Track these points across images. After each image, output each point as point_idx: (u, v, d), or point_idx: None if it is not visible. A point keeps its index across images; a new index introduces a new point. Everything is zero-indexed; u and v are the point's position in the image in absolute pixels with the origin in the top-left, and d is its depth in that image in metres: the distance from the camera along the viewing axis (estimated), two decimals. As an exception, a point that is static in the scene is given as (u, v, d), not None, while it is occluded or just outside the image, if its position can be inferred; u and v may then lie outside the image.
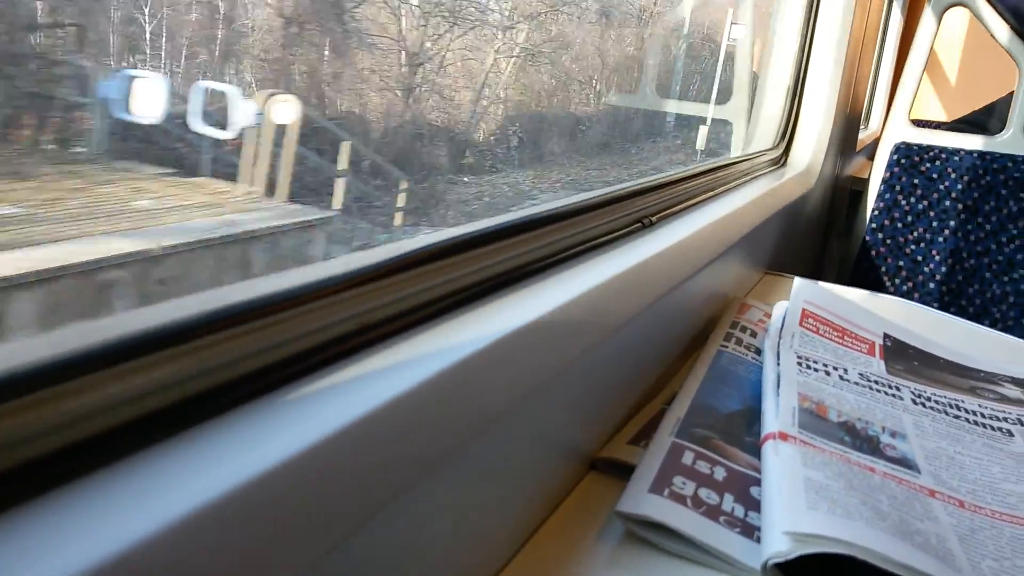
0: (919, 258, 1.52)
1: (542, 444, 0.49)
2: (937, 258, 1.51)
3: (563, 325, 0.47)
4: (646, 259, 0.60)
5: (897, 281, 1.53)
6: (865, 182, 1.65)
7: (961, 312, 1.49)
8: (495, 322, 0.41)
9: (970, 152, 1.49)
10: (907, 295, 1.52)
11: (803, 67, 1.47)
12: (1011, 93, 1.58)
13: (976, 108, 2.07)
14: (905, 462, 0.54)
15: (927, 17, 1.57)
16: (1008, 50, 1.51)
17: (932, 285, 1.51)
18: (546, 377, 0.46)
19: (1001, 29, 1.50)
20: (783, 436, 0.53)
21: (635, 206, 0.72)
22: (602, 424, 0.58)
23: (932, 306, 1.50)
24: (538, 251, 0.52)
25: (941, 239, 1.51)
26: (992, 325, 1.47)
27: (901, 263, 1.53)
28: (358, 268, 0.37)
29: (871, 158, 1.99)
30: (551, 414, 0.49)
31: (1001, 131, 1.51)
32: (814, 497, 0.45)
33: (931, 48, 1.60)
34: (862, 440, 0.55)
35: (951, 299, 1.50)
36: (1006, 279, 1.45)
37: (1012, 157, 1.46)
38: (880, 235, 1.55)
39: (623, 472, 0.52)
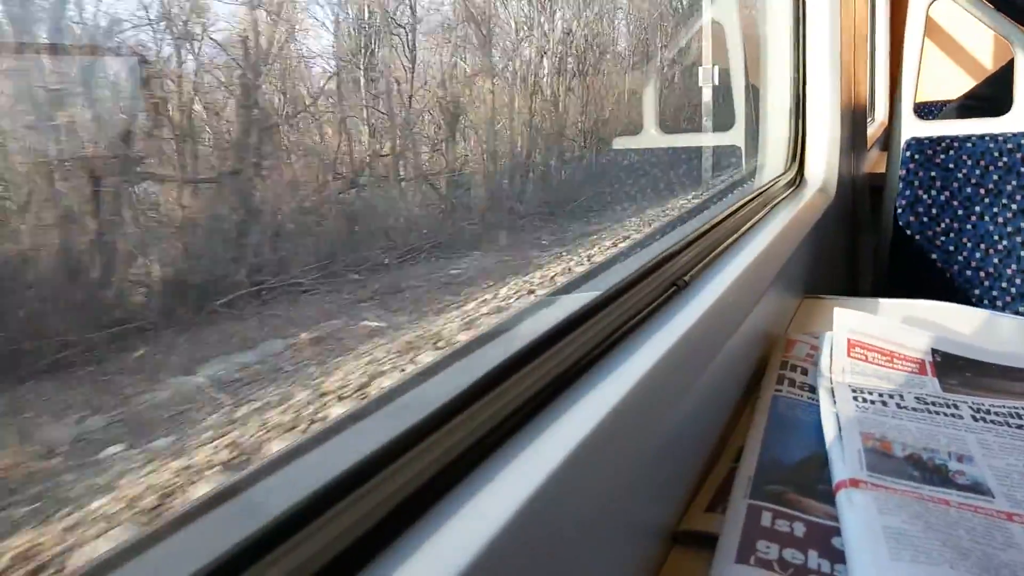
0: (951, 248, 1.52)
1: (627, 530, 0.52)
2: (969, 245, 1.51)
3: (629, 417, 0.49)
4: (690, 327, 0.62)
5: (934, 274, 1.54)
6: (883, 176, 1.67)
7: (1003, 294, 1.49)
8: (565, 434, 0.44)
9: (981, 136, 1.50)
10: (946, 286, 1.52)
11: (801, 82, 1.49)
12: (1010, 62, 1.59)
13: (978, 82, 2.08)
14: (977, 487, 0.55)
15: (914, 11, 1.60)
16: (1000, 32, 1.52)
17: (969, 273, 1.51)
18: (622, 470, 0.48)
19: (990, 13, 1.52)
20: (854, 483, 0.54)
21: (666, 271, 0.74)
22: (678, 494, 0.60)
23: (973, 293, 1.50)
24: (585, 347, 0.55)
25: (970, 226, 1.51)
26: (1038, 302, 1.46)
27: (935, 256, 1.54)
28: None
29: (884, 149, 1.99)
30: (631, 500, 0.52)
31: (1006, 109, 1.52)
32: (895, 546, 0.46)
33: (923, 39, 1.62)
34: (931, 472, 0.57)
35: (992, 283, 1.50)
36: (1043, 255, 1.45)
37: None
38: (909, 232, 1.56)
39: (706, 542, 0.54)
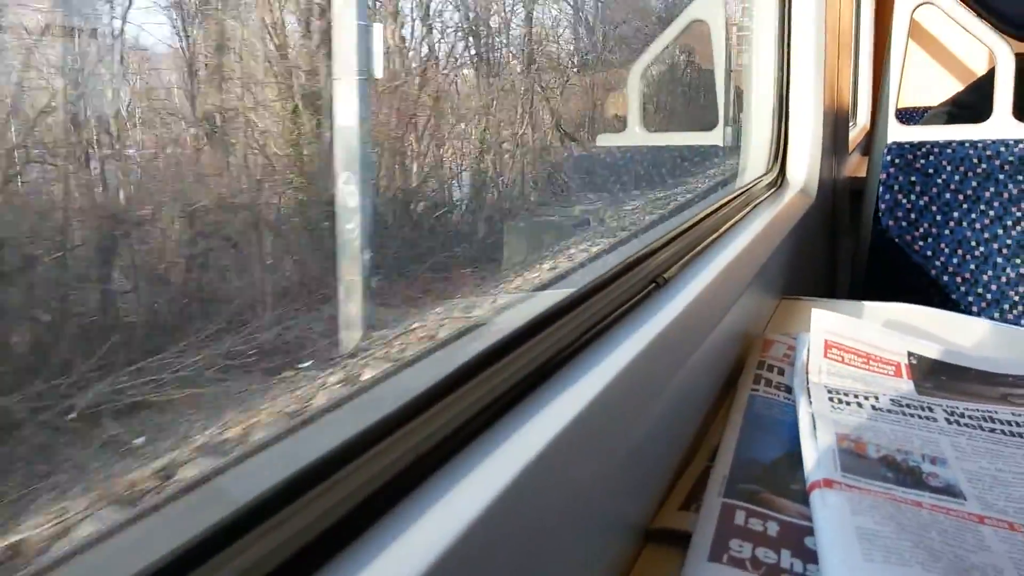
0: (929, 253, 1.54)
1: (600, 527, 0.51)
2: (947, 251, 1.52)
3: (604, 413, 0.49)
4: (668, 324, 0.62)
5: (911, 278, 1.55)
6: (863, 181, 1.68)
7: (979, 300, 1.50)
8: (539, 429, 0.43)
9: (962, 142, 1.51)
10: (923, 291, 1.54)
11: (785, 82, 1.50)
12: (991, 70, 1.60)
13: (959, 89, 2.10)
14: (950, 490, 0.55)
15: (899, 17, 1.61)
16: (982, 40, 1.53)
17: (946, 278, 1.52)
18: (596, 467, 0.48)
19: (972, 21, 1.53)
20: (828, 483, 0.54)
21: (645, 267, 0.74)
22: (652, 492, 0.60)
23: (950, 298, 1.51)
24: (562, 342, 0.54)
25: (948, 231, 1.52)
26: (1011, 308, 1.48)
27: (912, 261, 1.55)
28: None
29: (865, 153, 2.00)
30: (604, 496, 0.51)
31: (987, 117, 1.54)
32: (868, 547, 0.46)
33: (906, 45, 1.63)
34: (904, 473, 0.57)
35: (968, 288, 1.51)
36: (1018, 261, 1.46)
37: (1004, 142, 1.48)
38: (887, 236, 1.56)
39: (679, 540, 0.54)
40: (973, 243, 1.51)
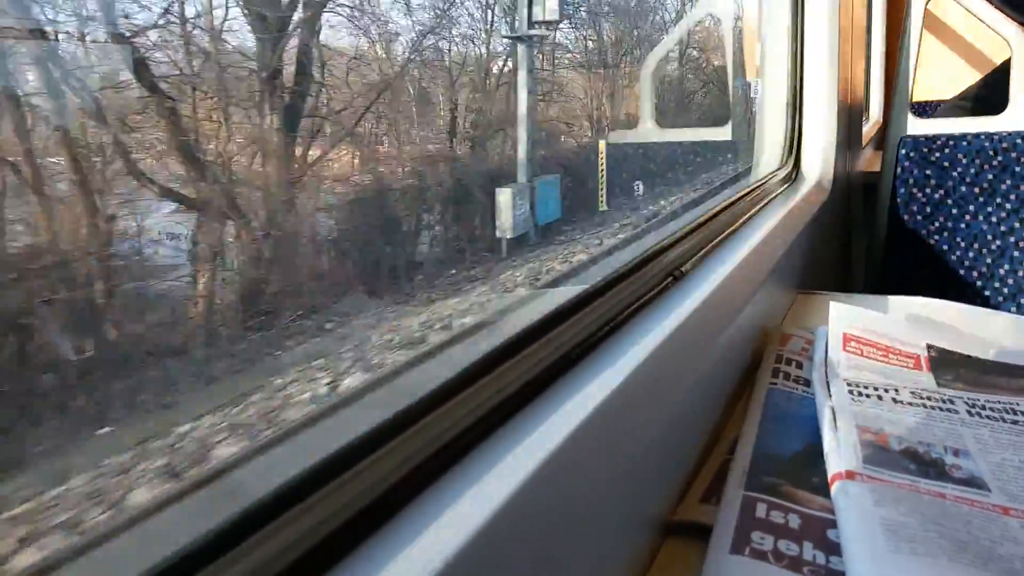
0: (945, 247, 1.52)
1: (621, 520, 0.51)
2: (963, 244, 1.51)
3: (624, 406, 0.49)
4: (686, 317, 0.62)
5: (927, 272, 1.53)
6: (877, 175, 1.66)
7: (996, 294, 1.49)
8: (560, 422, 0.43)
9: (977, 135, 1.50)
10: (939, 285, 1.52)
11: (799, 76, 1.49)
12: (1006, 62, 1.59)
13: (973, 82, 2.08)
14: (973, 482, 0.55)
15: (914, 9, 1.60)
16: (997, 30, 1.52)
17: (962, 272, 1.51)
18: (617, 459, 0.48)
19: (988, 11, 1.52)
20: (850, 475, 0.54)
21: (662, 261, 0.74)
22: (672, 485, 0.60)
23: (966, 292, 1.50)
24: (581, 334, 0.54)
25: (963, 225, 1.51)
26: (1029, 303, 1.47)
27: (928, 254, 1.53)
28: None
29: (878, 148, 1.99)
30: (625, 489, 0.51)
31: (1003, 109, 1.52)
32: (893, 538, 0.46)
33: (920, 38, 1.62)
34: (927, 465, 0.57)
35: (984, 283, 1.50)
36: (1035, 255, 1.45)
37: (1020, 134, 1.46)
38: (902, 230, 1.55)
39: (701, 532, 0.54)
40: (989, 237, 1.49)
